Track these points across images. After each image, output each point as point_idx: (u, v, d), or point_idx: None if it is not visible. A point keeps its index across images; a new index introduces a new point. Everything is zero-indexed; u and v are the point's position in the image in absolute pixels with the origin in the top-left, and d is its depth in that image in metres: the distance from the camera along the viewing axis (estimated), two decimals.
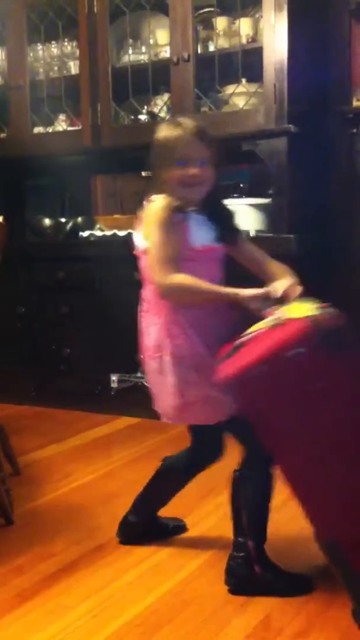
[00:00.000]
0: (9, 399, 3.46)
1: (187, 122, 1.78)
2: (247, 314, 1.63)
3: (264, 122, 2.91)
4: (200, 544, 2.01)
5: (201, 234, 1.77)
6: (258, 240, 2.98)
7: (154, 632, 1.60)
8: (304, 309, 1.53)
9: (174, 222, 1.70)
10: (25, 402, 3.55)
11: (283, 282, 1.72)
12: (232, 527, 1.80)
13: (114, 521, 2.05)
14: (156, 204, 1.72)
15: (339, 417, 1.51)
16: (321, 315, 1.50)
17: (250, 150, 2.96)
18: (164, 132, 1.79)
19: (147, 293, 1.81)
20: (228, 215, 1.87)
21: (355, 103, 3.09)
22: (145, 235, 1.74)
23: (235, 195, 3.18)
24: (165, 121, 1.90)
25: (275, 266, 1.86)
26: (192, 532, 2.08)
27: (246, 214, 3.00)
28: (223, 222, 1.84)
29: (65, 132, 3.55)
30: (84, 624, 1.65)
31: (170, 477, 1.98)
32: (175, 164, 1.73)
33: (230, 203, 3.01)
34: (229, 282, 1.77)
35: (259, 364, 1.46)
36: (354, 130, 3.09)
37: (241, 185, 3.20)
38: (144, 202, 1.77)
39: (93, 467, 2.66)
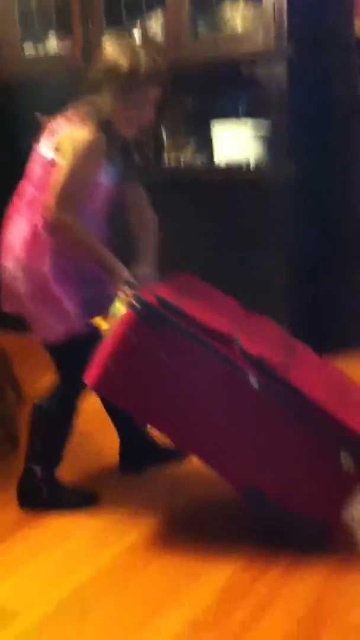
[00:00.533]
0: (11, 328, 3.48)
1: (157, 56, 1.67)
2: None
3: (263, 44, 2.83)
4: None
5: (109, 174, 1.72)
6: (258, 169, 2.97)
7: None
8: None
9: (95, 163, 1.63)
10: (27, 331, 3.56)
11: (144, 271, 1.79)
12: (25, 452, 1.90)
13: (115, 445, 2.12)
14: (88, 138, 1.61)
15: (192, 373, 1.63)
16: (135, 302, 1.62)
17: (249, 75, 2.90)
18: (124, 55, 1.64)
19: (32, 197, 1.71)
20: (131, 152, 1.81)
21: (357, 29, 3.01)
22: (62, 155, 1.65)
23: (234, 120, 3.12)
24: (122, 35, 1.79)
25: (145, 242, 1.87)
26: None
27: (245, 140, 2.96)
28: (127, 159, 1.78)
29: (56, 55, 3.44)
30: (85, 548, 1.75)
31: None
32: (132, 101, 1.67)
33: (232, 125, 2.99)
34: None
35: (109, 362, 1.61)
36: (357, 59, 3.03)
37: (240, 110, 3.13)
38: (70, 117, 1.68)
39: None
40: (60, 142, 1.65)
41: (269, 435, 1.63)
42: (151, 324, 1.59)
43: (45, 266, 1.69)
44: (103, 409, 2.03)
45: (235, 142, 2.98)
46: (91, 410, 1.96)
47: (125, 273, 1.70)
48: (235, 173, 3.01)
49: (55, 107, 3.87)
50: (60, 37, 3.45)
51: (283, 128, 2.88)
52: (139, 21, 3.27)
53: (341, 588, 1.54)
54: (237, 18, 2.96)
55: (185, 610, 1.47)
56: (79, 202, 1.60)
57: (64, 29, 3.41)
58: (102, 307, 1.72)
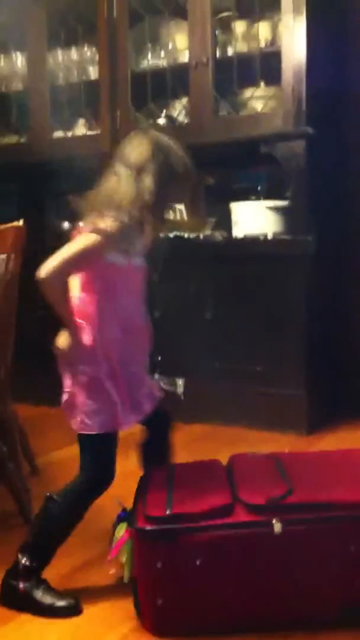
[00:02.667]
0: (28, 400, 3.49)
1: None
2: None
3: (282, 124, 2.92)
4: None
5: (137, 260, 1.80)
6: (275, 242, 3.01)
7: None
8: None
9: (95, 257, 1.70)
10: (44, 404, 3.57)
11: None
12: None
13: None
14: (93, 238, 1.68)
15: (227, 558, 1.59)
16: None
17: (267, 153, 2.97)
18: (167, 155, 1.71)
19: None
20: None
21: None
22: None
23: (253, 197, 3.19)
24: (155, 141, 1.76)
25: None
26: None
27: (264, 216, 3.01)
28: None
29: (84, 136, 3.58)
30: (103, 620, 1.67)
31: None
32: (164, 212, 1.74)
33: (250, 204, 3.06)
34: None
35: (156, 601, 1.59)
36: None
37: (259, 187, 3.20)
38: (86, 223, 1.74)
39: None
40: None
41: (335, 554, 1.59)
42: (165, 543, 1.58)
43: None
44: None
45: (254, 219, 3.03)
46: None
47: (77, 342, 1.76)
48: (253, 246, 3.05)
49: (83, 187, 4.01)
50: (88, 125, 3.59)
51: (302, 204, 2.92)
52: (164, 109, 3.41)
53: None
54: (257, 99, 3.07)
55: None
56: (68, 276, 1.73)
57: (93, 117, 3.55)
58: (141, 410, 1.80)
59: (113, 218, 1.69)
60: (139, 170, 1.69)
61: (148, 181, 1.68)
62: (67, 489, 1.80)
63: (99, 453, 1.79)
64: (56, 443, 2.98)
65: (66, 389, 1.82)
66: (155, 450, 1.98)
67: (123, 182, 1.70)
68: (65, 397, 1.83)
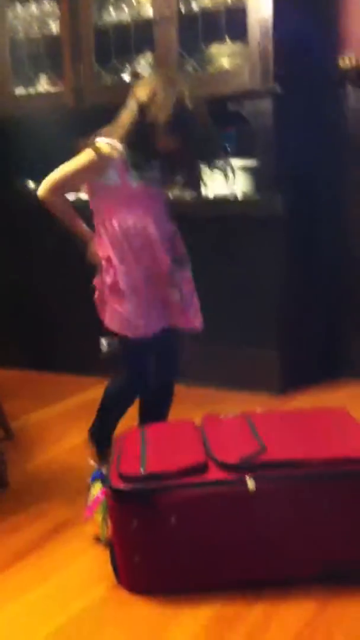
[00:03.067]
0: (0, 364, 3.48)
1: (188, 95, 1.92)
2: None
3: (249, 82, 2.89)
4: None
5: (146, 178, 2.01)
6: (245, 202, 3.00)
7: None
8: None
9: (96, 170, 1.94)
10: (16, 367, 3.57)
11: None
12: None
13: None
14: (92, 154, 1.94)
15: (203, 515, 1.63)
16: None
17: (236, 112, 2.94)
18: (163, 95, 1.91)
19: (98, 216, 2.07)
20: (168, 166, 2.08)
21: (341, 63, 3.07)
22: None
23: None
24: (162, 78, 2.03)
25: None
26: None
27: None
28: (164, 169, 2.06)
29: (47, 93, 3.50)
30: (79, 580, 1.70)
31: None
32: (166, 132, 1.92)
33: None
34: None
35: (133, 558, 1.64)
36: (340, 91, 3.08)
37: (227, 147, 3.18)
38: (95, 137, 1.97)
39: (85, 429, 2.69)
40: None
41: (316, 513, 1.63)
42: (139, 502, 1.60)
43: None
44: None
45: (223, 179, 3.00)
46: None
47: (90, 244, 2.05)
48: (223, 206, 3.04)
49: (47, 145, 3.93)
50: (51, 81, 3.51)
51: (270, 164, 2.91)
52: (128, 65, 3.34)
53: (335, 613, 1.51)
54: (223, 56, 3.03)
55: None
56: (69, 190, 2.05)
57: (55, 73, 3.48)
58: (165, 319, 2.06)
59: (112, 138, 1.95)
60: (143, 102, 1.94)
61: (153, 108, 1.92)
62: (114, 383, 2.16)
63: (127, 355, 2.09)
64: (31, 406, 2.99)
65: (97, 287, 2.10)
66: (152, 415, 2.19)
67: (127, 110, 1.98)
68: (96, 294, 2.12)
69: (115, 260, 2.01)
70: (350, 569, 1.63)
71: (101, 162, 1.96)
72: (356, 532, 1.63)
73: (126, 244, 2.01)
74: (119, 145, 1.97)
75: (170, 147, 1.97)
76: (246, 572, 1.64)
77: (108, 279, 2.02)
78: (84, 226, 2.07)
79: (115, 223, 2.00)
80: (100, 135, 2.01)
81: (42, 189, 1.97)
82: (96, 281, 2.10)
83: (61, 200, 1.99)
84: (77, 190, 2.34)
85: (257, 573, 1.64)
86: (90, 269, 3.30)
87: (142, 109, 1.94)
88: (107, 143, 1.97)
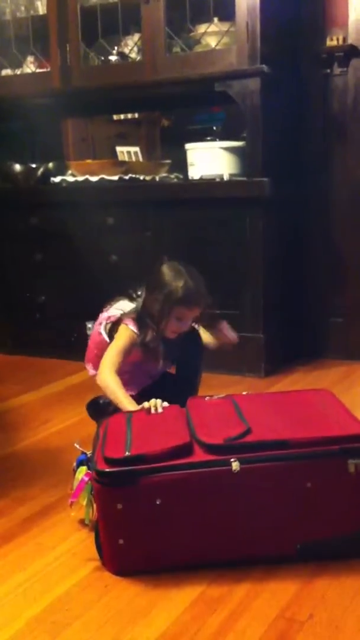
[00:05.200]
0: None
1: (198, 292, 2.14)
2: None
3: (236, 61, 2.86)
4: None
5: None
6: (232, 183, 2.98)
7: None
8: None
9: (131, 350, 2.16)
10: (1, 352, 3.55)
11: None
12: None
13: None
14: (130, 334, 2.15)
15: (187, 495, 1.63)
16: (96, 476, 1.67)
17: (223, 92, 2.91)
18: (175, 285, 2.11)
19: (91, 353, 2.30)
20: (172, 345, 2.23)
21: (328, 43, 3.05)
22: (116, 337, 2.18)
23: (208, 138, 3.14)
24: (174, 271, 2.18)
25: None
26: None
27: (220, 157, 2.97)
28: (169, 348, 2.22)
29: (33, 74, 3.46)
30: (64, 562, 1.69)
31: None
32: (174, 318, 2.14)
33: (205, 146, 3.02)
34: None
35: (118, 542, 1.63)
36: (328, 71, 3.06)
37: (214, 128, 3.16)
38: (124, 320, 2.18)
39: (70, 413, 2.69)
40: (116, 330, 2.21)
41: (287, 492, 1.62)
42: (124, 485, 1.59)
43: None
44: None
45: (210, 160, 2.99)
46: None
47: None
48: (209, 188, 3.01)
49: (34, 126, 3.88)
50: (37, 62, 3.47)
51: (257, 145, 2.89)
52: (115, 46, 3.31)
53: (317, 591, 1.51)
54: (211, 35, 2.99)
55: (157, 623, 1.43)
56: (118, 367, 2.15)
57: (42, 54, 3.44)
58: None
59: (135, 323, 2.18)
60: (153, 291, 2.18)
61: (157, 303, 2.15)
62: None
63: None
64: (15, 390, 2.98)
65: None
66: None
67: (142, 298, 2.22)
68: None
69: None
70: (334, 547, 1.63)
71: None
72: (339, 511, 1.63)
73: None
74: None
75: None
76: (231, 552, 1.63)
77: None
78: (130, 399, 2.08)
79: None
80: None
81: (101, 376, 2.12)
82: None
83: (111, 376, 2.11)
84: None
85: (242, 553, 1.63)
86: (79, 252, 3.31)
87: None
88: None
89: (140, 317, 2.18)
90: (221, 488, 1.60)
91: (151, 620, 1.45)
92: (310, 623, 1.41)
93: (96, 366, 2.22)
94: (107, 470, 1.60)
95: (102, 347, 2.22)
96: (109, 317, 2.26)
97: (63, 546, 1.76)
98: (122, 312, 2.23)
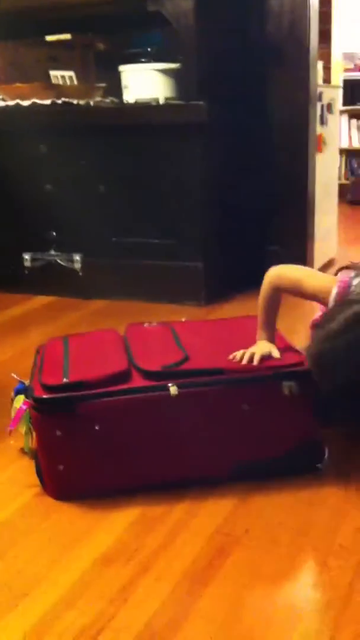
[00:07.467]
0: None
1: None
2: None
3: None
4: None
5: None
6: (168, 107, 2.91)
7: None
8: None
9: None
10: None
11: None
12: None
13: None
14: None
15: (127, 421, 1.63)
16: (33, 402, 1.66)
17: (159, 13, 2.81)
18: None
19: None
20: None
21: None
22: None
23: (143, 60, 3.05)
24: None
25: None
26: None
27: (155, 79, 2.89)
28: None
29: None
30: (5, 490, 1.70)
31: None
32: None
33: (139, 67, 2.94)
34: None
35: (56, 467, 1.64)
36: None
37: (149, 50, 3.06)
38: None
39: (10, 345, 2.66)
40: None
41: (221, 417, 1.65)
42: (62, 411, 1.58)
43: None
44: None
45: (145, 83, 2.91)
46: None
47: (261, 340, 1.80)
48: (145, 112, 2.94)
49: None
50: None
51: (192, 67, 2.82)
52: None
53: (253, 508, 1.56)
54: None
55: (98, 542, 1.47)
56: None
57: None
58: None
59: None
60: None
61: None
62: None
63: None
64: None
65: None
66: None
67: None
68: None
69: None
70: (269, 467, 1.68)
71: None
72: (274, 431, 1.67)
73: None
74: None
75: None
76: (169, 474, 1.66)
77: None
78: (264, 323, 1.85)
79: None
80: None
81: (273, 275, 1.87)
82: None
83: (268, 294, 1.85)
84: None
85: (179, 475, 1.67)
86: (12, 181, 3.21)
87: None
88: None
89: None
90: (159, 413, 1.62)
91: (92, 540, 1.49)
92: (247, 537, 1.46)
93: None
94: (45, 397, 1.60)
95: None
96: None
97: (4, 474, 1.77)
98: None
